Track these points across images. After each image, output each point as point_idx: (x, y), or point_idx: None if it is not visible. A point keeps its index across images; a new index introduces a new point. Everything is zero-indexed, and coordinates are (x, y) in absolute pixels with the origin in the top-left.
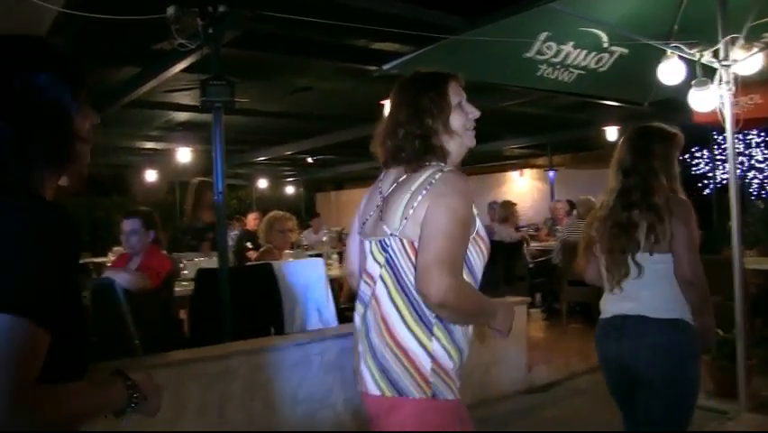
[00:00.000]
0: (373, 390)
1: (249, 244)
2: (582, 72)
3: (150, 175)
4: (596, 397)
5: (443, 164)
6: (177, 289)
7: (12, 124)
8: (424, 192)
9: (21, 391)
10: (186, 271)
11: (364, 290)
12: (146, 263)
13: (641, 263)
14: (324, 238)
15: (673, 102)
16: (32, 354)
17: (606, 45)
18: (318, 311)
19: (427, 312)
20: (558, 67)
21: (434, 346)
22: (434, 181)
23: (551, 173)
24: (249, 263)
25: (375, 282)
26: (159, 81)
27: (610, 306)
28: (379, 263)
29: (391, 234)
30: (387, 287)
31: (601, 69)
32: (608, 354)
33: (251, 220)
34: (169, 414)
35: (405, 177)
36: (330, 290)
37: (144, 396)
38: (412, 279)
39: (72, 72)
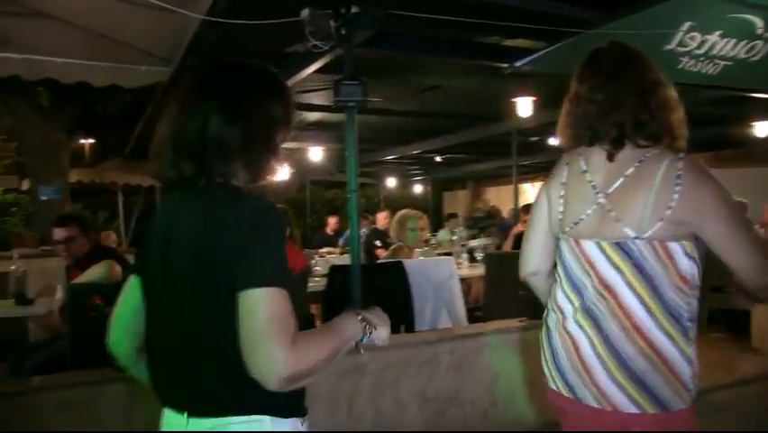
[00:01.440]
0: (627, 407)
1: (378, 242)
2: (730, 63)
3: (282, 173)
4: (741, 413)
5: (663, 149)
6: (309, 284)
7: (243, 138)
8: (676, 188)
9: (294, 341)
10: (318, 268)
11: (595, 299)
12: None
13: None
14: (454, 237)
15: None
16: (291, 313)
17: (760, 32)
18: (448, 310)
19: (685, 316)
20: (702, 59)
21: (692, 351)
22: (680, 173)
23: None
24: (380, 261)
25: (616, 289)
26: (292, 83)
27: None
28: (618, 269)
29: (637, 238)
30: (637, 294)
31: (753, 59)
32: None
33: (381, 218)
34: None
35: (632, 170)
36: (460, 290)
37: (375, 326)
38: (668, 282)
39: (289, 101)
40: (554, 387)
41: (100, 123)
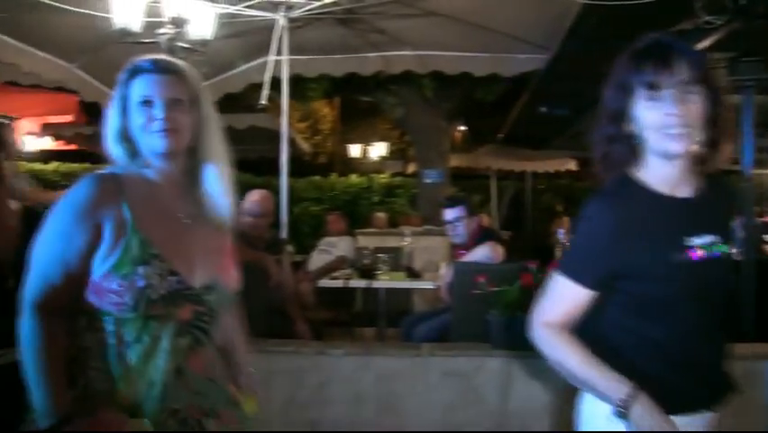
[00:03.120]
0: None
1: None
2: None
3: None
4: None
5: None
6: None
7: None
8: None
9: (546, 326)
10: None
11: None
12: None
13: None
14: None
15: None
16: (561, 301)
17: None
18: None
19: None
20: None
21: None
22: None
23: None
24: None
25: None
26: None
27: None
28: None
29: None
30: None
31: None
32: None
33: None
34: None
35: None
36: None
37: (629, 414)
38: None
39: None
40: None
41: (474, 110)
